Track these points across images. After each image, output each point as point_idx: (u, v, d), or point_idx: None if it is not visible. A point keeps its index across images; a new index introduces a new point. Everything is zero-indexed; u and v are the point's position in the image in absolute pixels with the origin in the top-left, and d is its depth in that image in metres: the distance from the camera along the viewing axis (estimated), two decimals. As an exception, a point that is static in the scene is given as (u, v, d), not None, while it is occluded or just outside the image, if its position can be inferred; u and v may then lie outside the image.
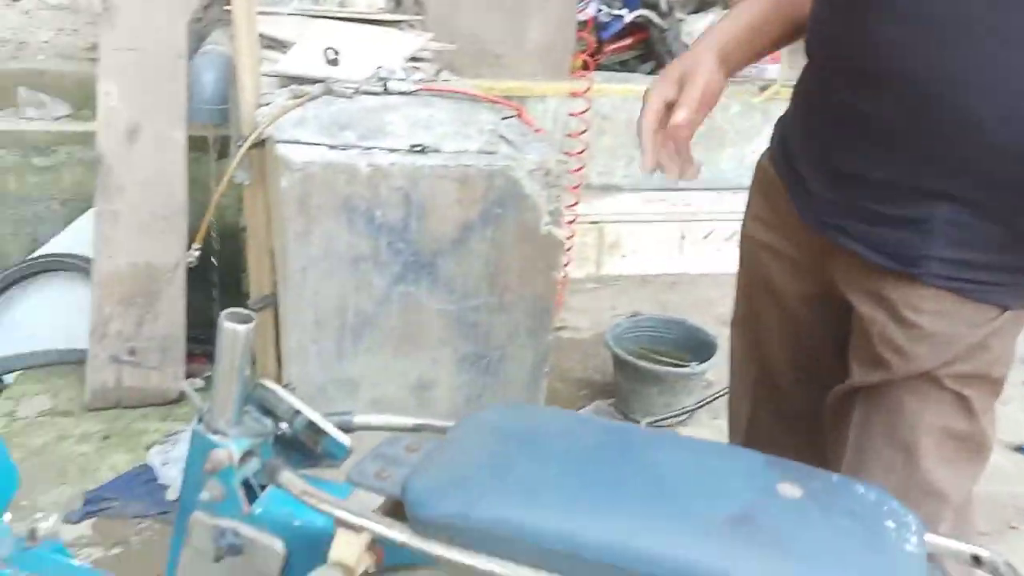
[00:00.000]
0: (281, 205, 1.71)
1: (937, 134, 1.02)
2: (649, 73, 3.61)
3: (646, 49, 3.66)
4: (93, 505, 2.18)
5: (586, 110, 3.23)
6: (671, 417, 2.72)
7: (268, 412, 0.89)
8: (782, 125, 1.30)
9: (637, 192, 3.65)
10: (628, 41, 3.60)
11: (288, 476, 0.84)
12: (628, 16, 3.47)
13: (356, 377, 1.96)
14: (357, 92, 1.94)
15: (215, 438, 0.85)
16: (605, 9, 3.43)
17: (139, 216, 2.57)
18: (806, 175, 1.18)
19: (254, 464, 0.88)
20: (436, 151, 1.77)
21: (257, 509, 0.90)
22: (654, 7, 3.55)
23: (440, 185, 1.76)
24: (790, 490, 0.78)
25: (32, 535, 1.12)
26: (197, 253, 1.75)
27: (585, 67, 3.28)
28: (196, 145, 2.75)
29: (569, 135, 3.32)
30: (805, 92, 1.24)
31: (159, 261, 2.59)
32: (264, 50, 2.37)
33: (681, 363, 2.74)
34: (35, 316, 3.20)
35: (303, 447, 0.90)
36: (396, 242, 1.80)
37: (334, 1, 2.90)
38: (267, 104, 1.90)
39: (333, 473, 0.92)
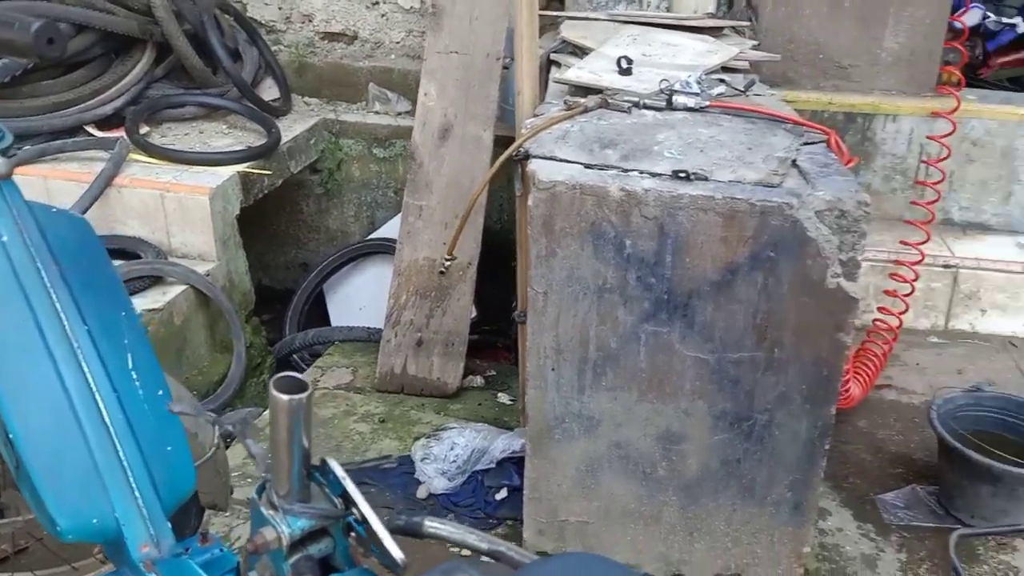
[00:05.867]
0: (527, 223, 1.61)
1: None
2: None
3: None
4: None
5: (950, 133, 2.70)
6: (1007, 530, 2.16)
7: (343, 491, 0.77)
8: None
9: (1011, 235, 3.00)
10: (1022, 55, 2.95)
11: None
12: (1023, 26, 2.83)
13: (596, 415, 1.81)
14: (636, 106, 1.76)
15: (268, 514, 0.75)
16: (993, 17, 2.83)
17: (442, 212, 2.65)
18: None
19: (325, 544, 0.77)
20: (704, 179, 1.54)
21: None
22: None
23: (701, 218, 1.52)
24: None
25: (204, 538, 1.09)
26: (448, 264, 1.70)
27: (957, 83, 2.74)
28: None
29: (925, 161, 2.80)
30: None
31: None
32: (568, 56, 2.28)
33: (1030, 462, 2.17)
34: (363, 293, 3.50)
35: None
36: (647, 276, 1.60)
37: (661, 6, 2.73)
38: (540, 115, 1.80)
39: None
